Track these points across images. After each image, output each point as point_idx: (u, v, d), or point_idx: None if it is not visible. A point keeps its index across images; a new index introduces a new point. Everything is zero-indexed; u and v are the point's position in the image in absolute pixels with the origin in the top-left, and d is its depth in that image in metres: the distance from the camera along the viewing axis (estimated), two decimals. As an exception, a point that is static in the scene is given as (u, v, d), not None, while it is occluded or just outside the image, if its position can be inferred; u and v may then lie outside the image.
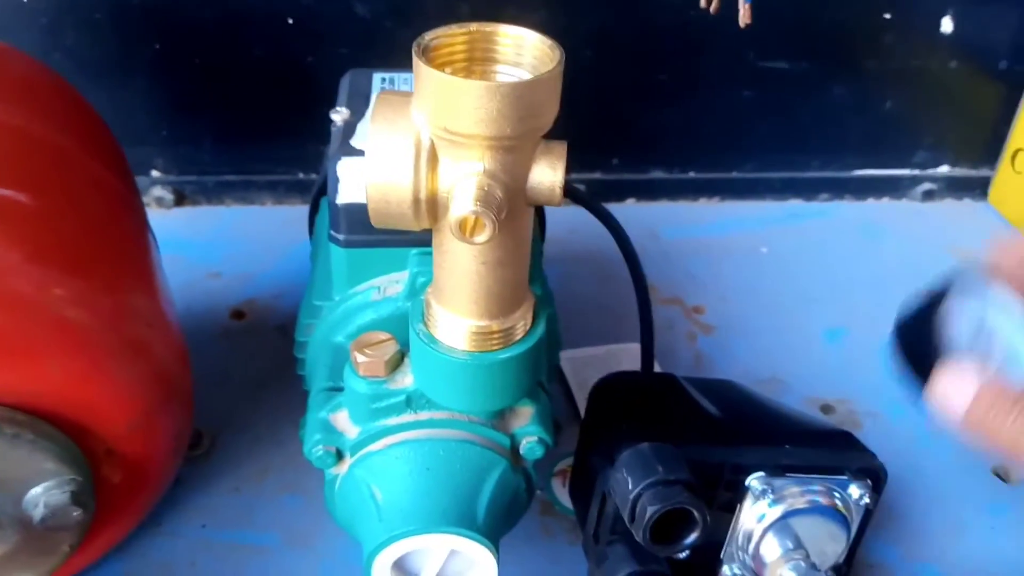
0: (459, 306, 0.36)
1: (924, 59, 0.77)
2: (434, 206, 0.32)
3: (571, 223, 0.66)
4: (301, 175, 0.78)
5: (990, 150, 0.81)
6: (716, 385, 0.52)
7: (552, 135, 0.33)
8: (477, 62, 0.32)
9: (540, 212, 0.62)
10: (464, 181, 0.30)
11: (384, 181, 0.31)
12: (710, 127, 0.79)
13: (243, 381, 0.62)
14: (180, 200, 0.79)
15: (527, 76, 0.31)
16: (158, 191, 0.78)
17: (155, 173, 0.78)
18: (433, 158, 0.31)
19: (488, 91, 0.28)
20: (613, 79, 0.76)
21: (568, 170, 0.33)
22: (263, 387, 0.61)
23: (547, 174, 0.32)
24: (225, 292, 0.70)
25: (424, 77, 0.29)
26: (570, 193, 0.59)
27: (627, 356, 0.64)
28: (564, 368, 0.64)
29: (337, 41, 0.72)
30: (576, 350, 0.65)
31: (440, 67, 0.30)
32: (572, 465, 0.51)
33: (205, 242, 0.75)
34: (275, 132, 0.76)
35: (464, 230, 0.30)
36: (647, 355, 0.54)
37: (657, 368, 0.65)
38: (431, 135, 0.30)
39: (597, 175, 0.81)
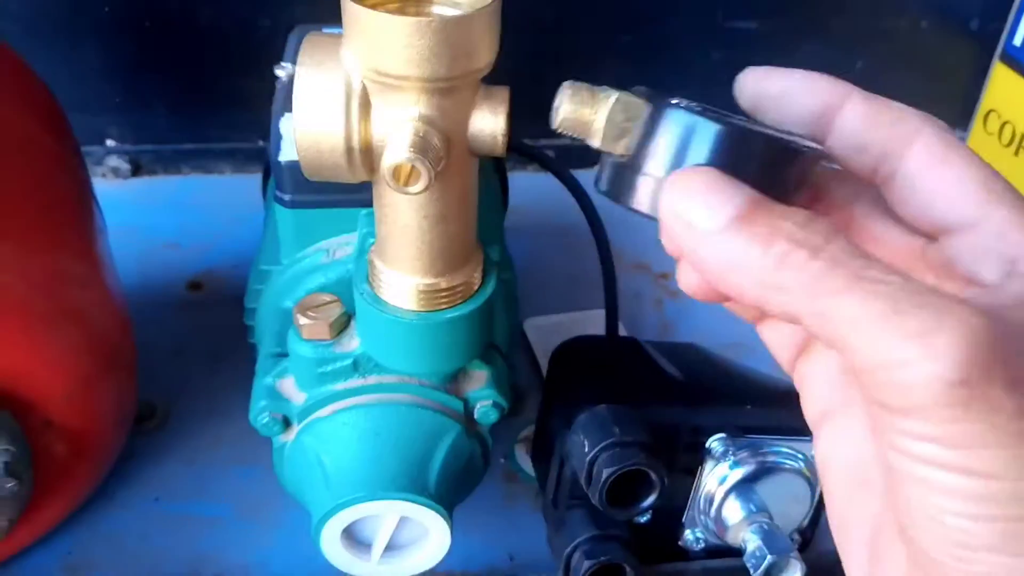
0: (403, 263, 0.34)
1: (894, 18, 0.76)
2: (369, 155, 0.30)
3: (538, 191, 0.64)
4: (260, 142, 0.76)
5: (963, 111, 0.80)
6: (679, 348, 0.51)
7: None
8: (411, 2, 0.30)
9: (503, 179, 0.61)
10: (399, 127, 0.29)
11: (314, 128, 0.29)
12: (678, 90, 0.78)
13: (199, 353, 0.60)
14: (137, 170, 0.77)
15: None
16: (114, 161, 0.76)
17: (110, 142, 0.76)
18: (366, 103, 0.29)
19: (418, 28, 0.27)
20: (578, 41, 0.75)
21: (512, 118, 0.31)
22: (219, 358, 0.60)
23: (488, 121, 0.30)
24: (183, 263, 0.68)
25: (351, 15, 0.28)
26: (537, 157, 0.58)
27: (592, 323, 0.63)
28: (529, 335, 0.63)
29: (292, 2, 0.69)
30: (541, 317, 0.64)
31: (371, 7, 0.29)
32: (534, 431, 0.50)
33: (162, 212, 0.73)
34: (232, 98, 0.74)
35: (398, 178, 0.29)
36: (611, 318, 0.53)
37: (625, 333, 0.64)
38: (362, 78, 0.29)
39: (565, 140, 0.80)
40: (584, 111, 0.25)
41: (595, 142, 0.25)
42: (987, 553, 0.20)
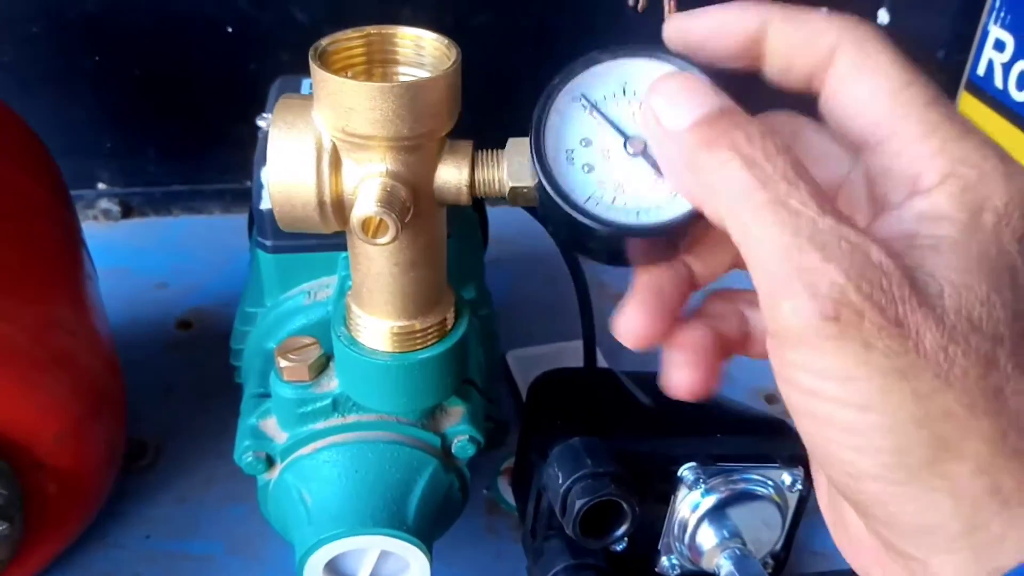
0: (377, 308, 0.36)
1: (863, 51, 0.78)
2: (341, 208, 0.32)
3: (520, 222, 0.66)
4: (248, 183, 0.78)
5: (933, 139, 0.82)
6: (654, 378, 0.53)
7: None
8: (377, 64, 0.32)
9: (482, 214, 0.63)
10: (367, 182, 0.31)
11: (287, 184, 0.31)
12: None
13: (189, 391, 0.62)
14: (127, 212, 0.79)
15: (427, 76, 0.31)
16: (105, 203, 0.78)
17: (101, 186, 0.78)
18: (336, 160, 0.31)
19: (381, 92, 0.28)
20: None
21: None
22: (208, 397, 0.61)
23: (453, 174, 0.32)
24: (172, 302, 0.69)
25: (319, 80, 0.29)
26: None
27: (574, 353, 0.64)
28: (512, 367, 0.64)
29: (278, 47, 0.71)
30: (523, 349, 0.65)
31: (339, 71, 0.31)
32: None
33: (152, 253, 0.75)
34: (220, 141, 0.76)
35: (366, 231, 0.30)
36: (588, 350, 0.55)
37: (604, 364, 0.65)
38: (331, 138, 0.31)
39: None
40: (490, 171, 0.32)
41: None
42: (870, 481, 0.21)
